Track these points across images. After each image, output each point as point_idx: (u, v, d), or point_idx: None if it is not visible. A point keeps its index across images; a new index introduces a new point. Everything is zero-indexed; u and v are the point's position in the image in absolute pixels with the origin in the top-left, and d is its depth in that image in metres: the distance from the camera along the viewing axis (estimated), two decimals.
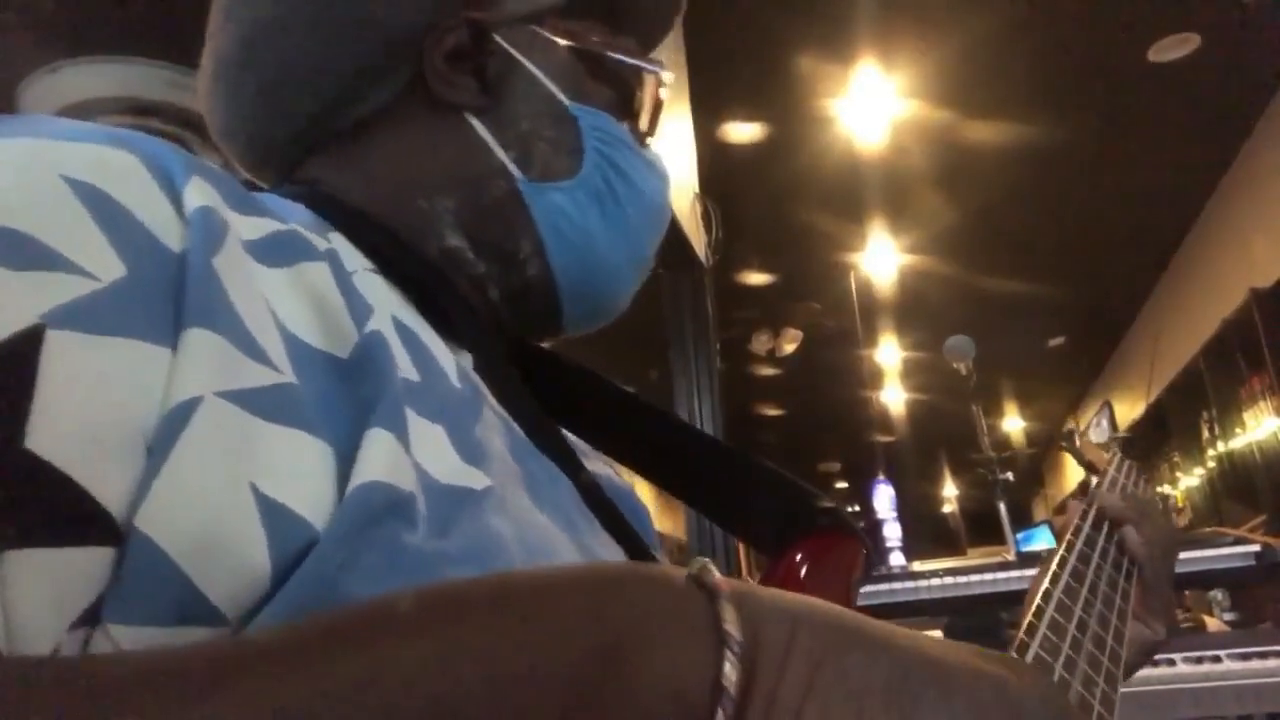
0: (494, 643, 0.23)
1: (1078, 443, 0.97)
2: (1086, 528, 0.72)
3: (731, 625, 0.25)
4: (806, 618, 0.27)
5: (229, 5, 0.50)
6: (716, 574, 0.27)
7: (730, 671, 0.25)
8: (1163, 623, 0.71)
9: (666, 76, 0.56)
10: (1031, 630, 0.47)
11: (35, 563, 0.24)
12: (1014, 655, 0.43)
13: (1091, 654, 0.49)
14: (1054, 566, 0.61)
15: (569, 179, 0.49)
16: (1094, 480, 0.87)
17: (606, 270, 0.51)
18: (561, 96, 0.50)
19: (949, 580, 1.88)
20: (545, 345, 0.57)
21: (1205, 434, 4.78)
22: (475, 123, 0.49)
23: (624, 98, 0.53)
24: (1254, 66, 3.58)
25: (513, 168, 0.48)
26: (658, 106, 0.56)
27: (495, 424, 0.42)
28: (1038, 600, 0.53)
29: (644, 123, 0.55)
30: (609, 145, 0.50)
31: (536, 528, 0.38)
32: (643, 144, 0.54)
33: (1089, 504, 0.76)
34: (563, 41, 0.51)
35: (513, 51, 0.49)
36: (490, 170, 0.49)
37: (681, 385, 2.78)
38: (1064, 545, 0.67)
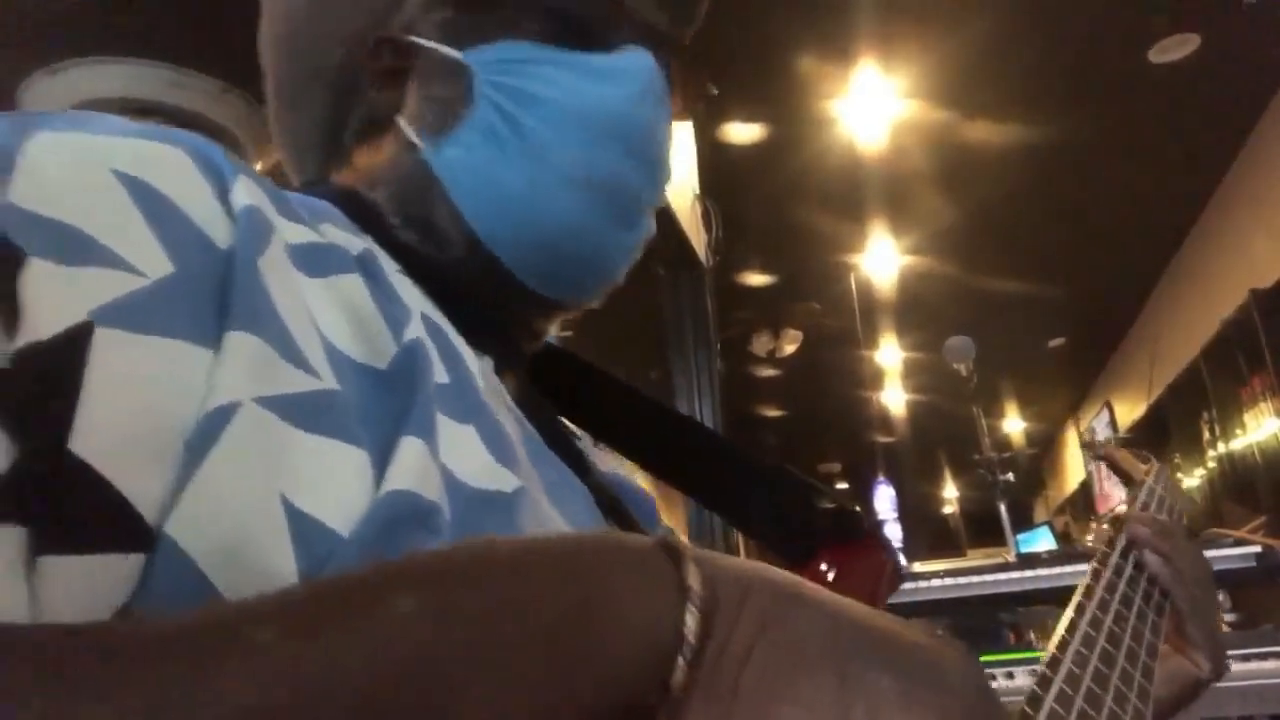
0: (478, 600, 0.24)
1: (1116, 454, 0.91)
2: (1115, 556, 0.68)
3: (694, 580, 0.27)
4: (759, 581, 0.29)
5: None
6: (680, 539, 0.30)
7: (691, 622, 0.27)
8: (1207, 657, 0.67)
9: None
10: (1055, 664, 0.47)
11: (70, 569, 0.23)
12: (1037, 690, 0.44)
13: (1118, 689, 0.48)
14: (1079, 597, 0.60)
15: (458, 125, 0.46)
16: (1099, 481, 0.83)
17: (533, 211, 0.45)
18: (451, 51, 0.47)
19: (949, 581, 1.88)
20: (553, 342, 0.56)
21: (1205, 435, 4.77)
22: (399, 119, 0.48)
23: (561, 18, 0.48)
24: (1254, 66, 3.58)
25: (414, 138, 0.47)
26: (612, 6, 0.49)
27: (515, 426, 0.42)
28: (1062, 632, 0.52)
29: (587, 26, 0.48)
30: (505, 73, 0.46)
31: (558, 530, 0.38)
32: (596, 48, 0.48)
33: (1116, 530, 0.72)
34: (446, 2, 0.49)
35: (420, 41, 0.48)
36: (402, 149, 0.48)
37: (681, 385, 2.78)
38: (1090, 574, 0.65)
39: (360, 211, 0.45)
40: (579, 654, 0.25)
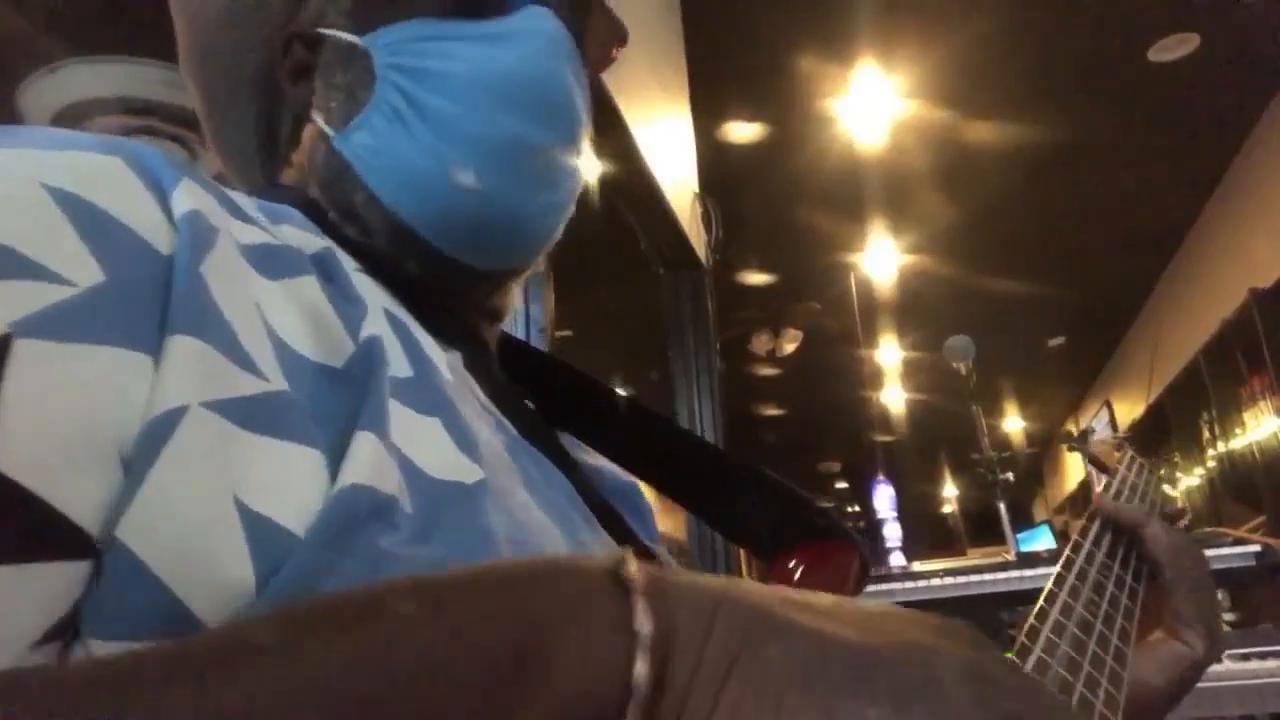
0: (414, 635, 0.23)
1: (1089, 443, 0.94)
2: (1094, 529, 0.70)
3: (643, 620, 0.25)
4: (726, 604, 0.26)
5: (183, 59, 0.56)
6: (633, 565, 0.26)
7: (640, 669, 0.24)
8: (1200, 636, 0.65)
9: None
10: (1033, 633, 0.47)
11: (5, 578, 0.23)
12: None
13: (1096, 654, 0.49)
14: (1058, 568, 0.61)
15: (362, 110, 0.46)
16: (1100, 482, 0.84)
17: (440, 179, 0.45)
18: (349, 37, 0.47)
19: (949, 580, 1.88)
20: (533, 345, 0.57)
21: (1205, 434, 4.77)
22: (312, 111, 0.49)
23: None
24: (1254, 66, 3.58)
25: (325, 127, 0.48)
26: None
27: (488, 420, 0.42)
28: (1040, 603, 0.53)
29: None
30: (401, 53, 0.46)
31: (531, 524, 0.38)
32: (496, 13, 0.47)
33: (1089, 518, 0.73)
34: None
35: (324, 32, 0.49)
36: (316, 144, 0.49)
37: (681, 385, 2.78)
38: (1070, 547, 0.66)
39: (313, 212, 0.46)
40: (521, 698, 0.23)
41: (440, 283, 0.47)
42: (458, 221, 0.45)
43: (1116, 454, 0.89)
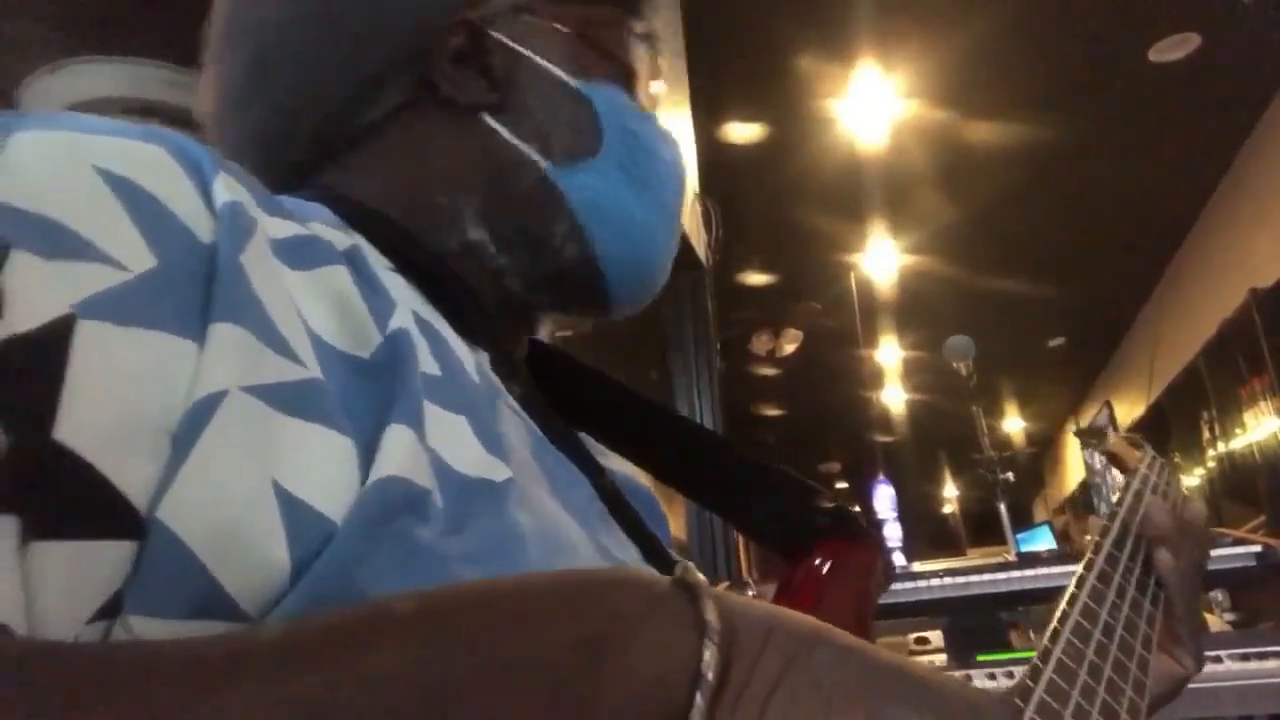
0: (482, 635, 0.24)
1: (1107, 440, 0.88)
2: (1108, 546, 0.66)
3: (712, 615, 0.27)
4: (781, 619, 0.28)
5: (231, 32, 0.50)
6: (697, 575, 0.29)
7: (709, 658, 0.26)
8: (1191, 656, 0.67)
9: (661, 45, 0.56)
10: (1046, 655, 0.46)
11: (61, 555, 0.24)
12: (1027, 682, 0.43)
13: (1112, 680, 0.47)
14: (1072, 587, 0.58)
15: (594, 156, 0.50)
16: (1104, 481, 0.80)
17: (647, 238, 0.52)
18: (569, 79, 0.50)
19: (949, 580, 1.88)
20: (552, 344, 0.57)
21: (1205, 434, 4.77)
22: (490, 120, 0.49)
23: (625, 69, 0.54)
24: (1254, 66, 3.58)
25: (536, 157, 0.49)
26: (658, 73, 0.56)
27: (514, 421, 0.42)
28: (1054, 623, 0.51)
29: (646, 92, 0.55)
30: (626, 118, 0.51)
31: (557, 524, 0.38)
32: (650, 111, 0.55)
33: (1110, 519, 0.69)
34: (555, 23, 0.51)
35: (512, 44, 0.50)
36: (513, 163, 0.49)
37: (681, 385, 2.78)
38: (1084, 564, 0.62)
39: (350, 210, 0.45)
40: (591, 693, 0.25)
41: (566, 304, 0.53)
42: (639, 271, 0.52)
43: (1137, 453, 0.85)
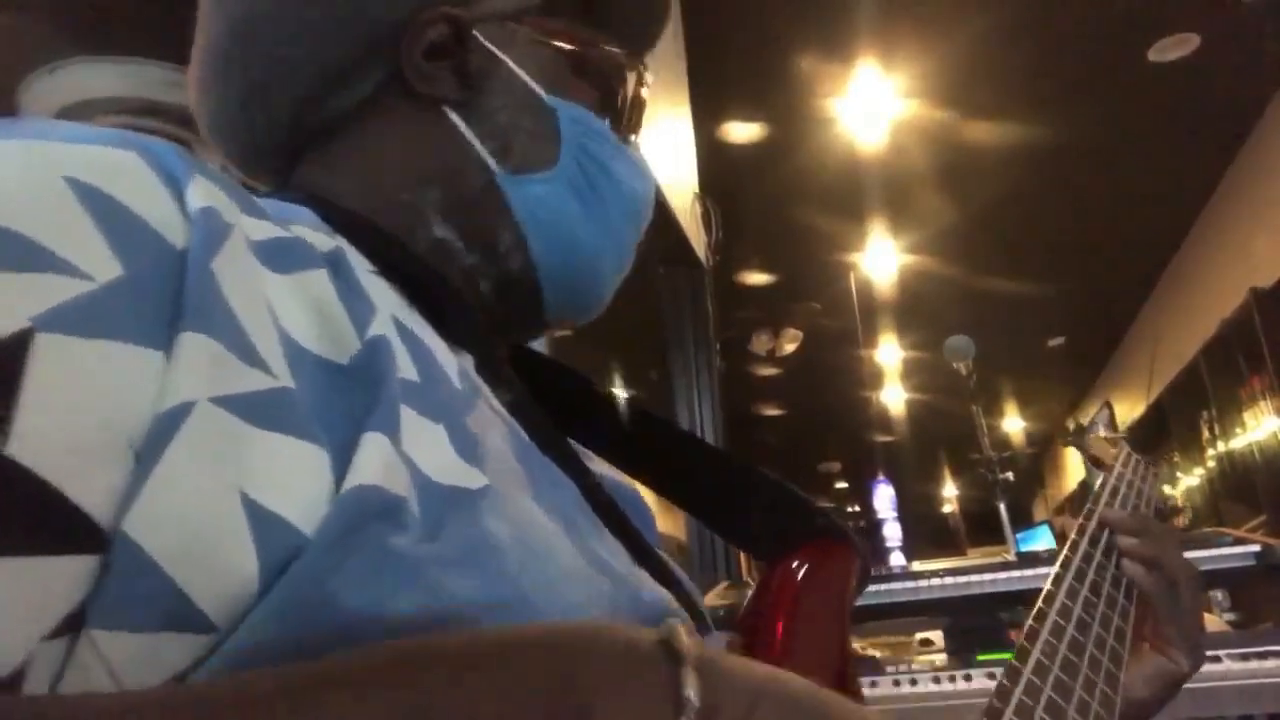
0: (457, 704, 0.23)
1: (1086, 438, 0.92)
2: (1084, 544, 0.68)
3: (691, 691, 0.25)
4: (770, 693, 0.27)
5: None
6: (684, 638, 0.27)
7: None
8: (1185, 653, 0.67)
9: (648, 77, 0.55)
10: (1023, 654, 0.47)
11: (13, 571, 0.23)
12: (1005, 682, 0.43)
13: (1087, 676, 0.48)
14: (1049, 586, 0.59)
15: (547, 170, 0.49)
16: (1098, 481, 0.82)
17: (588, 261, 0.51)
18: (539, 90, 0.50)
19: (949, 580, 1.87)
20: (541, 351, 0.57)
21: (1205, 434, 4.78)
22: (453, 116, 0.49)
23: (605, 95, 0.53)
24: (1254, 66, 3.58)
25: (490, 160, 0.48)
26: (639, 105, 0.55)
27: (496, 425, 0.42)
28: (1030, 622, 0.52)
29: (626, 120, 0.54)
30: (588, 138, 0.50)
31: (536, 529, 0.38)
32: (625, 141, 0.54)
33: (1085, 517, 0.72)
34: (541, 38, 0.51)
35: (491, 47, 0.49)
36: (468, 162, 0.49)
37: (681, 385, 2.78)
38: (1060, 562, 0.64)
39: (331, 213, 0.45)
40: None
41: (508, 315, 0.51)
42: (575, 291, 0.52)
43: (1113, 450, 0.88)
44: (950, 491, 9.78)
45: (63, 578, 0.24)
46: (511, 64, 0.49)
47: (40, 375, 0.25)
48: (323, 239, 0.40)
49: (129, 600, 0.25)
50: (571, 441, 0.53)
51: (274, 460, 0.29)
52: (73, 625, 0.25)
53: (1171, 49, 3.44)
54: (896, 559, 5.37)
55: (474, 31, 0.49)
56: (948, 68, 3.51)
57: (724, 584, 2.09)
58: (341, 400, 0.33)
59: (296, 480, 0.29)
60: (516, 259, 0.49)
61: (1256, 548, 1.74)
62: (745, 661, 0.28)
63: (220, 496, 0.27)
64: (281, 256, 0.35)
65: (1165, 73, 3.55)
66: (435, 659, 0.25)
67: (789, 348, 5.69)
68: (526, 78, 0.50)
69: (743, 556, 2.87)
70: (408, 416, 0.34)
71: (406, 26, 0.48)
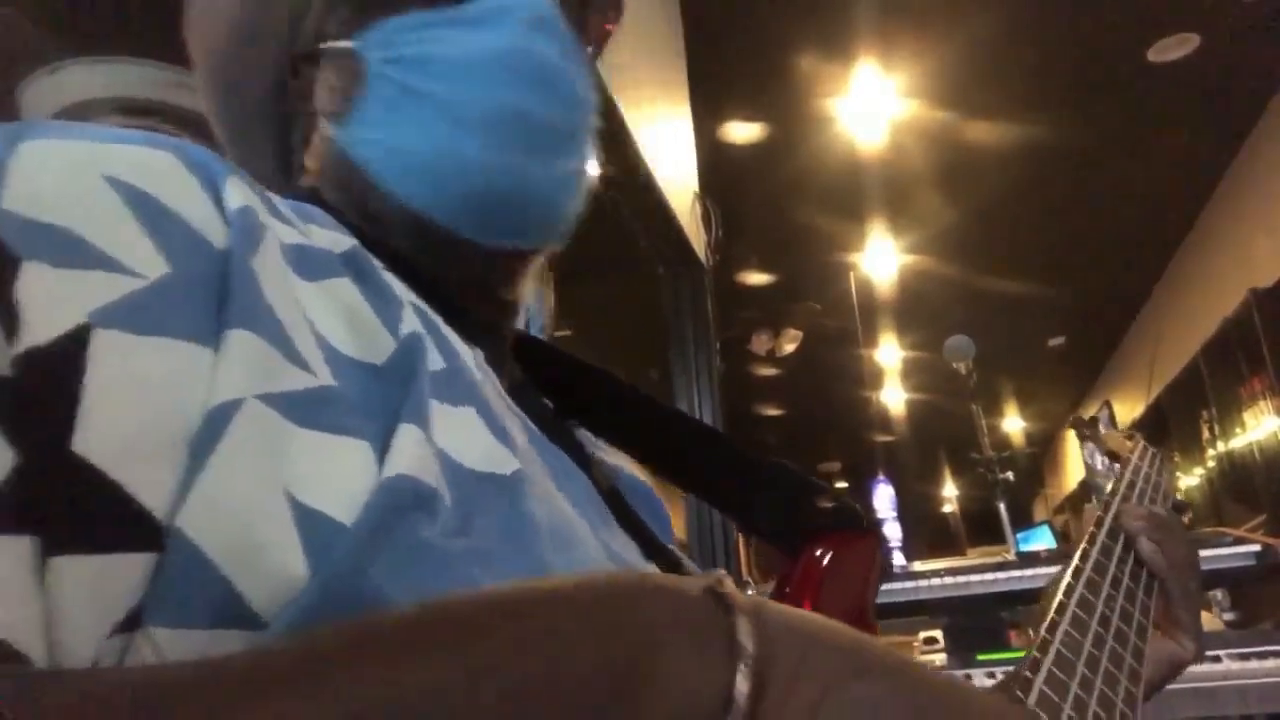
0: (512, 656, 0.23)
1: (1100, 430, 0.91)
2: (1102, 536, 0.67)
3: (745, 637, 0.25)
4: (820, 638, 0.27)
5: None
6: (731, 586, 0.27)
7: (741, 683, 0.24)
8: (1192, 639, 0.69)
9: None
10: (1045, 646, 0.46)
11: (82, 569, 0.24)
12: (1026, 674, 0.43)
13: (1109, 671, 0.47)
14: (1068, 578, 0.58)
15: (359, 106, 0.47)
16: (1105, 479, 0.81)
17: (441, 160, 0.45)
18: (343, 42, 0.48)
19: (949, 580, 1.88)
20: (541, 338, 0.57)
21: (1205, 434, 4.77)
22: (304, 106, 0.51)
23: None
24: (1254, 66, 3.58)
25: (329, 133, 0.49)
26: None
27: (510, 415, 0.42)
28: (1050, 614, 0.51)
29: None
30: (391, 45, 0.46)
31: (564, 517, 0.38)
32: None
33: (1104, 510, 0.71)
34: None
35: (324, 46, 0.50)
36: (324, 142, 0.49)
37: (681, 385, 2.78)
38: (1079, 554, 0.64)
39: (330, 212, 0.45)
40: (621, 714, 0.23)
41: (460, 273, 0.47)
42: (470, 199, 0.45)
43: (1129, 443, 0.87)
44: (950, 491, 9.77)
45: (126, 575, 0.24)
46: (325, 45, 0.49)
47: (100, 370, 0.25)
48: (339, 238, 0.40)
49: (183, 596, 0.25)
50: (581, 430, 0.53)
51: (318, 459, 0.29)
52: (132, 624, 0.25)
53: (1171, 49, 3.44)
54: (896, 559, 5.35)
55: (321, 45, 0.50)
56: (948, 68, 3.51)
57: None
58: (380, 396, 0.33)
59: (342, 476, 0.29)
60: (389, 210, 0.46)
61: (1256, 548, 1.74)
62: (794, 610, 0.28)
63: (266, 495, 0.27)
64: (305, 263, 0.36)
65: (1165, 73, 3.55)
66: (486, 612, 0.25)
67: (789, 348, 5.69)
68: (331, 44, 0.49)
69: (743, 555, 2.87)
70: (436, 407, 0.35)
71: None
